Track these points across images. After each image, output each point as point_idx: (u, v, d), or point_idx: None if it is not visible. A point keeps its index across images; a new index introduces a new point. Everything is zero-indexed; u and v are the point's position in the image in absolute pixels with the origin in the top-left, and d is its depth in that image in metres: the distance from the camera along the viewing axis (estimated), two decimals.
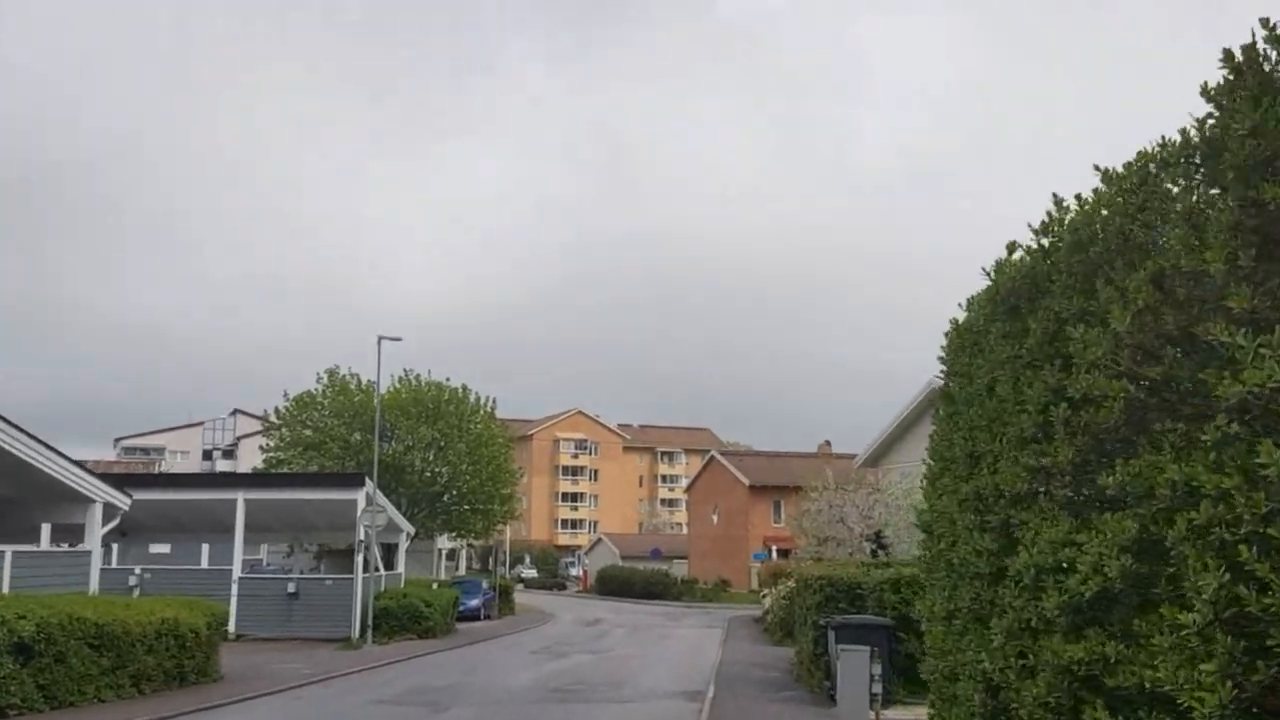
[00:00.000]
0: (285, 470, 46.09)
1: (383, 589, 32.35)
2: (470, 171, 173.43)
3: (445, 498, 50.51)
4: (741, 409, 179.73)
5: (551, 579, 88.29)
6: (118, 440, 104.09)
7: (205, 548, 38.78)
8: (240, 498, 30.63)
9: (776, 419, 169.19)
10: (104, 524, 19.69)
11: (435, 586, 38.53)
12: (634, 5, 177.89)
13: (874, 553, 29.17)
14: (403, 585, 34.79)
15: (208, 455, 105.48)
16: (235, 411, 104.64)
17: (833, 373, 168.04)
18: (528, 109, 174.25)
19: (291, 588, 30.90)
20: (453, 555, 66.52)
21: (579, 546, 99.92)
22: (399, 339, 31.40)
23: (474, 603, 41.43)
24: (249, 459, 74.38)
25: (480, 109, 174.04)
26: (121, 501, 20.06)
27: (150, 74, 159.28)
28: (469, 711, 16.48)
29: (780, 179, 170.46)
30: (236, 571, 30.72)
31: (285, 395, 50.24)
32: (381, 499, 31.57)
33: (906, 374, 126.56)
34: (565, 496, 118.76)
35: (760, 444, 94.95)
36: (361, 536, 29.52)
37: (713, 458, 71.83)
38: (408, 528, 37.19)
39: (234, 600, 29.89)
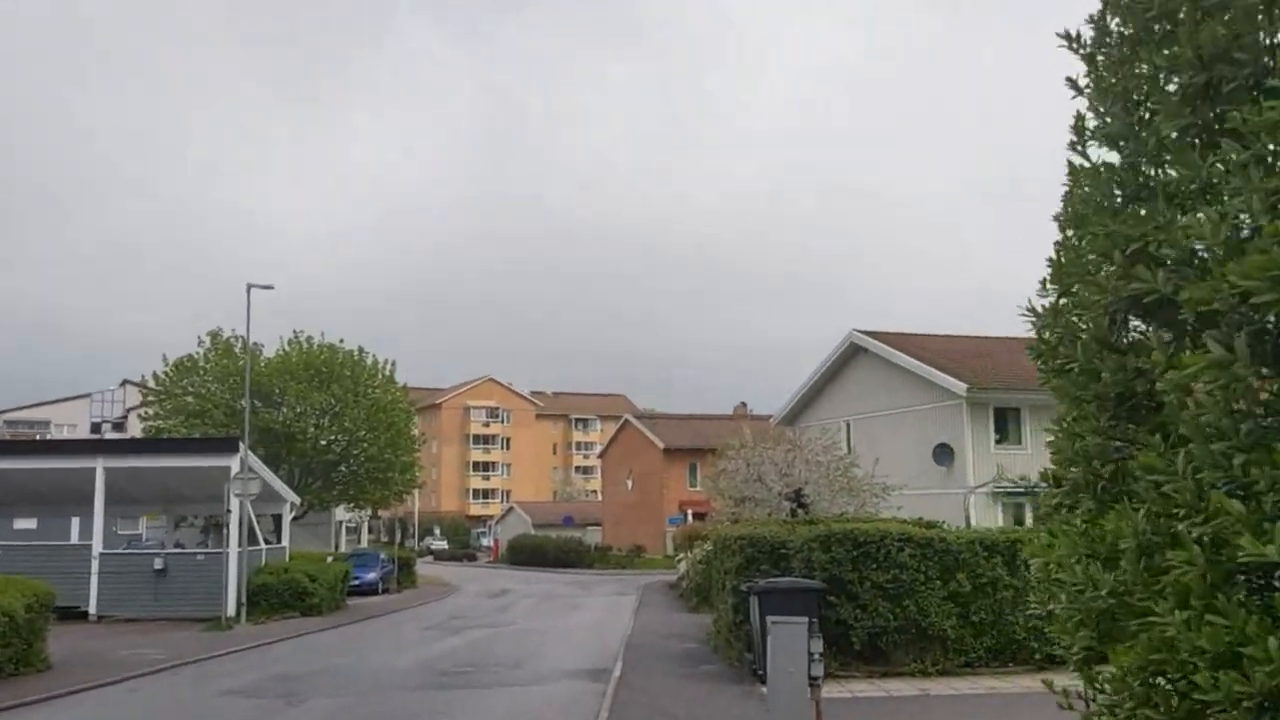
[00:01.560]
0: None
1: (263, 564, 29.54)
2: (365, 138, 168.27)
3: (342, 467, 47.37)
4: (657, 377, 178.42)
5: (462, 550, 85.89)
6: None
7: (75, 522, 35.48)
8: (100, 465, 27.60)
9: (692, 386, 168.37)
10: None
11: (330, 560, 35.74)
12: None
13: (793, 512, 27.52)
14: (287, 559, 31.94)
15: (96, 428, 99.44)
16: (124, 383, 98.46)
17: (748, 341, 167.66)
18: (425, 72, 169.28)
19: (159, 564, 27.94)
20: (354, 528, 63.41)
21: (491, 516, 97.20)
22: (270, 287, 28.39)
23: (370, 576, 38.82)
24: (139, 432, 69.87)
25: (376, 71, 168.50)
26: None
27: (29, 44, 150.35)
28: (330, 703, 13.97)
29: (687, 148, 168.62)
30: (97, 547, 27.76)
31: (164, 360, 46.58)
32: (257, 464, 28.65)
33: (818, 342, 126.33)
34: (477, 466, 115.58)
35: (676, 410, 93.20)
36: (231, 506, 26.60)
37: (626, 422, 69.62)
38: (291, 497, 34.25)
39: (94, 578, 27.09)
